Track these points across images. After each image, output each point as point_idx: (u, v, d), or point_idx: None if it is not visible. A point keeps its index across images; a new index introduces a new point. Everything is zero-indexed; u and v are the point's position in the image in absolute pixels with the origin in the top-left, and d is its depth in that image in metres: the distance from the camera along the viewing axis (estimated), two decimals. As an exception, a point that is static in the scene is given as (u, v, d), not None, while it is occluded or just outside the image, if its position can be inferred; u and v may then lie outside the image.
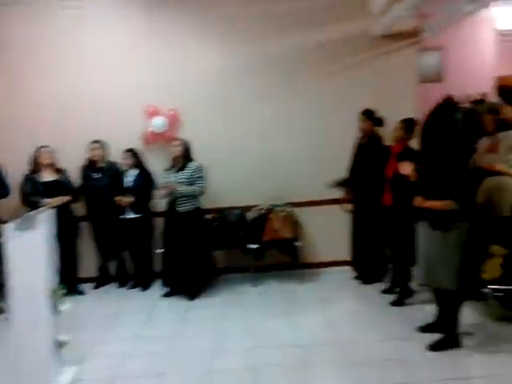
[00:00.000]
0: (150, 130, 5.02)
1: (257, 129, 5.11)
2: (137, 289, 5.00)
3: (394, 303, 4.12)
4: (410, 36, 5.00)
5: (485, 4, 4.15)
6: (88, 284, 5.11)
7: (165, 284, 4.78)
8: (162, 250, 4.75)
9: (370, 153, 4.55)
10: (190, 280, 4.61)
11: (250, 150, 5.13)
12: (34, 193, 4.60)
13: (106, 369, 3.39)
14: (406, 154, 3.91)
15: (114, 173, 4.92)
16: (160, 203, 4.93)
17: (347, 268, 4.99)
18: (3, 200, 4.56)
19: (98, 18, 4.98)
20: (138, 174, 4.89)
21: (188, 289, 4.63)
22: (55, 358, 3.13)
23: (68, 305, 3.25)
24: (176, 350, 3.61)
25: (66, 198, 4.70)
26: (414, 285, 4.05)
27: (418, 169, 3.50)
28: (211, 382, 3.16)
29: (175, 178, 4.52)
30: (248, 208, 5.07)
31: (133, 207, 4.84)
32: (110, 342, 3.83)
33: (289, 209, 5.02)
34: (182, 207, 4.54)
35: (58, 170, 4.81)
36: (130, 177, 4.89)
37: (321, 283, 4.87)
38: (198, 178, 4.53)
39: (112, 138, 4.97)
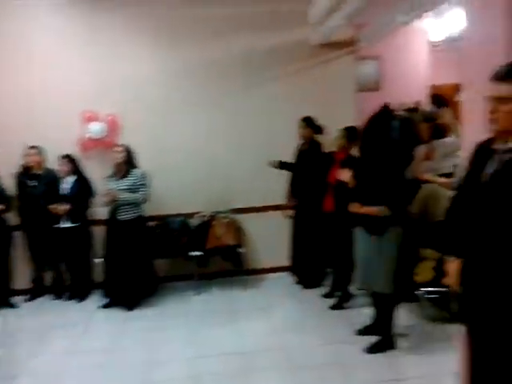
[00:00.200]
0: (87, 135, 4.86)
1: (199, 135, 5.07)
2: (73, 300, 4.80)
3: (334, 307, 4.20)
4: (347, 45, 5.15)
5: (417, 15, 4.32)
6: (21, 296, 4.86)
7: (105, 294, 4.63)
8: (101, 260, 4.60)
9: (311, 159, 4.63)
10: (129, 290, 4.49)
11: (192, 156, 5.08)
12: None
13: (38, 386, 3.23)
14: (349, 162, 4.01)
15: (51, 180, 4.71)
16: (99, 211, 4.78)
17: (289, 273, 5.03)
18: None
19: (32, 18, 4.77)
20: (75, 181, 4.72)
21: (127, 299, 4.50)
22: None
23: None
24: (114, 363, 3.50)
25: (-1, 207, 4.48)
26: (353, 289, 4.14)
27: (356, 175, 3.59)
28: (150, 395, 3.09)
29: (117, 185, 4.40)
30: (191, 215, 5.01)
31: (69, 216, 4.65)
32: (44, 356, 3.65)
33: (232, 215, 5.02)
34: (124, 215, 4.42)
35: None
36: (67, 184, 4.70)
37: (264, 289, 4.89)
38: (141, 185, 4.43)
39: (48, 144, 4.75)
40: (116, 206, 4.43)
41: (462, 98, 2.62)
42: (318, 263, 4.76)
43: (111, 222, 4.52)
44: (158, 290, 4.87)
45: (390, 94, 5.73)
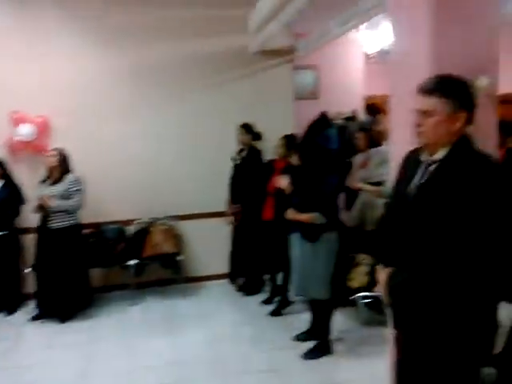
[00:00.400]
0: (16, 138, 4.60)
1: (136, 139, 4.94)
2: (1, 313, 4.51)
3: (273, 313, 4.22)
4: (285, 54, 5.22)
5: (352, 27, 4.45)
6: None
7: (38, 306, 4.39)
8: (30, 270, 4.37)
9: (250, 166, 4.64)
10: (62, 301, 4.28)
11: (129, 161, 4.93)
12: None
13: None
14: (288, 169, 4.05)
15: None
16: (29, 218, 4.53)
17: (229, 280, 5.02)
18: None
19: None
20: (4, 186, 4.45)
21: (60, 310, 4.29)
22: None
23: None
24: (45, 380, 3.32)
25: None
26: (292, 295, 4.18)
27: (293, 182, 3.63)
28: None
29: (49, 191, 4.19)
30: (127, 222, 4.87)
31: (-4, 224, 4.38)
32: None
33: (170, 222, 4.93)
34: (56, 223, 4.22)
35: None
36: (-6, 189, 4.43)
37: (203, 297, 4.83)
38: (75, 191, 4.24)
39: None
40: (48, 213, 4.21)
41: (390, 109, 2.70)
42: (258, 270, 4.77)
43: (42, 230, 4.30)
44: (92, 300, 4.66)
45: (328, 103, 5.87)
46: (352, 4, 3.92)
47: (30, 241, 4.53)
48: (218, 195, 4.87)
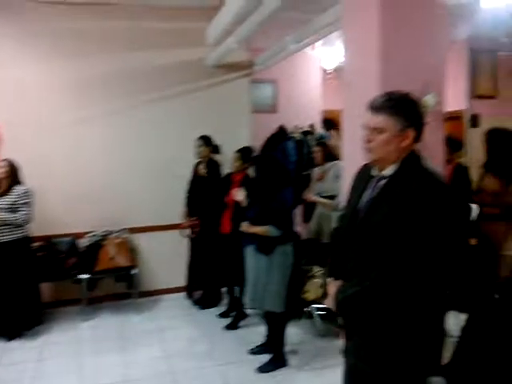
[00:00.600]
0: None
1: (90, 150, 4.82)
2: None
3: (229, 327, 4.19)
4: (243, 68, 5.28)
5: (308, 44, 4.55)
6: None
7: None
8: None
9: (208, 179, 4.62)
10: (9, 317, 4.09)
11: (82, 172, 4.80)
12: None
13: None
14: (246, 182, 4.06)
15: None
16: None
17: (186, 294, 4.95)
18: None
19: None
20: None
21: (7, 328, 4.09)
22: None
23: None
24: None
25: None
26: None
27: (249, 195, 3.65)
28: None
29: (-4, 203, 4.02)
30: (80, 235, 4.72)
31: None
32: None
33: (125, 235, 4.82)
34: (4, 236, 4.03)
35: None
36: None
37: (159, 311, 4.73)
38: (22, 204, 4.07)
39: None
40: (-6, 226, 4.03)
41: (343, 124, 2.77)
42: (216, 283, 4.73)
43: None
44: (42, 316, 4.46)
45: (286, 117, 5.97)
46: (307, 21, 4.02)
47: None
48: (175, 207, 4.80)
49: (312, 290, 3.73)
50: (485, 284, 3.40)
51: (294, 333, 3.83)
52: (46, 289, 4.63)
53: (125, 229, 4.86)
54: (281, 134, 5.71)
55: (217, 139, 4.74)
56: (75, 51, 4.71)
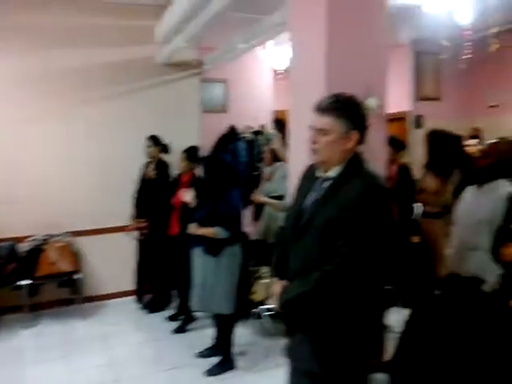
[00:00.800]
0: None
1: (31, 149, 4.59)
2: None
3: (177, 330, 4.11)
4: (192, 67, 5.20)
5: (257, 44, 4.55)
6: None
7: None
8: None
9: (157, 180, 4.52)
10: None
11: (22, 172, 4.56)
12: None
13: None
14: (195, 183, 4.00)
15: None
16: None
17: (134, 298, 4.82)
18: None
19: None
20: None
21: None
22: None
23: None
24: None
25: None
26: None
27: (197, 196, 3.60)
28: None
29: None
30: (20, 239, 4.49)
31: None
32: None
33: (68, 238, 4.63)
34: None
35: None
36: None
37: (105, 317, 4.58)
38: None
39: None
40: None
41: (290, 124, 2.77)
42: (165, 286, 4.64)
43: None
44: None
45: (237, 117, 5.95)
46: (256, 21, 4.01)
47: None
48: (122, 209, 4.66)
49: (260, 290, 3.72)
50: (426, 280, 3.52)
51: (242, 334, 3.81)
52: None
53: (67, 232, 4.67)
54: (231, 134, 5.69)
55: (166, 139, 4.65)
56: (20, 47, 4.49)
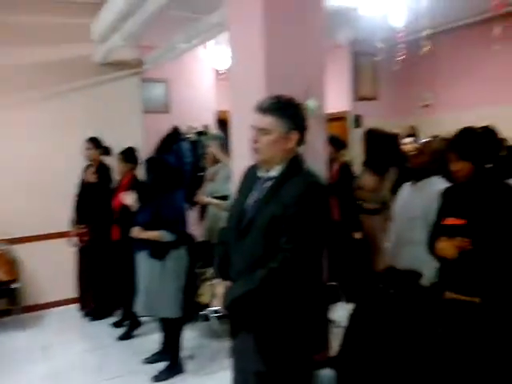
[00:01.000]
0: None
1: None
2: None
3: (122, 337, 4.01)
4: (132, 66, 5.10)
5: (198, 43, 4.51)
6: None
7: None
8: None
9: (98, 184, 4.38)
10: None
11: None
12: None
13: None
14: (135, 185, 3.90)
15: None
16: None
17: (76, 305, 4.65)
18: None
19: None
20: None
21: None
22: None
23: None
24: None
25: None
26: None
27: (140, 198, 3.52)
28: None
29: None
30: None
31: None
32: None
33: (3, 246, 4.41)
34: None
35: None
36: None
37: (46, 326, 4.39)
38: None
39: None
40: None
41: (231, 125, 2.78)
42: (108, 292, 4.50)
43: None
44: None
45: (179, 117, 5.87)
46: (197, 21, 3.97)
47: None
48: (61, 214, 4.48)
49: (207, 292, 3.69)
50: (369, 274, 3.64)
51: (190, 337, 3.76)
52: None
53: (3, 240, 4.43)
54: (175, 134, 5.61)
55: (107, 140, 4.51)
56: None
